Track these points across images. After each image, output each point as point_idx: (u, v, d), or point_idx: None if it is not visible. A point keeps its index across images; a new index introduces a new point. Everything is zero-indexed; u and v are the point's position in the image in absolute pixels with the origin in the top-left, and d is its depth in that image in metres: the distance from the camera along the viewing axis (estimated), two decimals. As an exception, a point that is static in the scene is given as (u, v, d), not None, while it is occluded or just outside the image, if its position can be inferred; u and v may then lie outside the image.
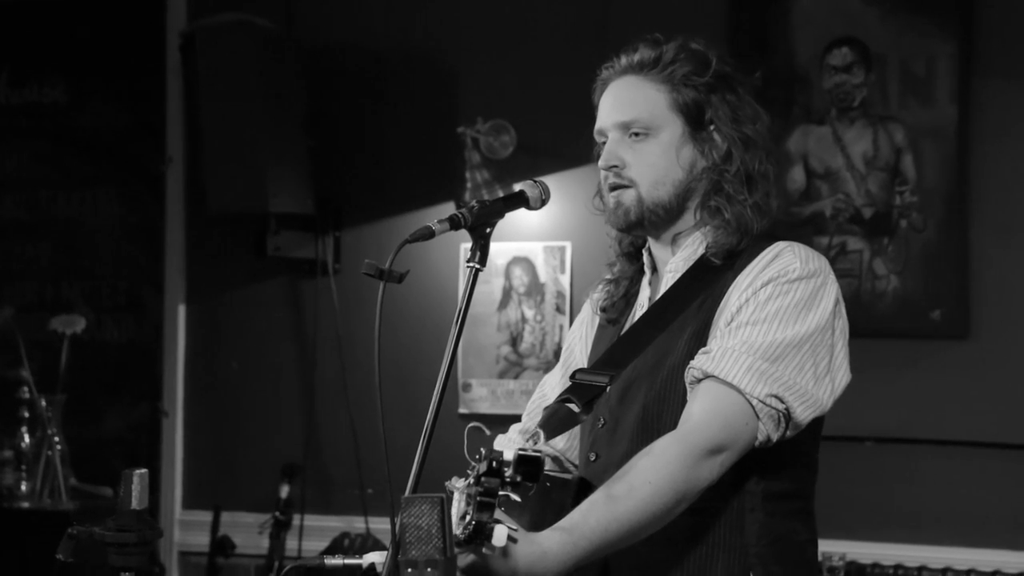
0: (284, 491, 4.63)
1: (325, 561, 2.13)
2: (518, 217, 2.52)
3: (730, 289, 2.23)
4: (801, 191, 4.28)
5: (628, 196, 2.29)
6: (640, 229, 2.33)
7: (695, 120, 2.29)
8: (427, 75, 4.72)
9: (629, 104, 2.30)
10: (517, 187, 2.26)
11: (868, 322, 4.17)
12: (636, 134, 2.29)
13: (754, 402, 2.12)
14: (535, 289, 4.55)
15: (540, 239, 4.53)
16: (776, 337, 2.15)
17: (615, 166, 2.30)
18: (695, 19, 4.33)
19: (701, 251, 2.29)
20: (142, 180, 5.08)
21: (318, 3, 4.86)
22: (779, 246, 2.26)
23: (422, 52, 4.74)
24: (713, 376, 2.14)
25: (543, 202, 2.25)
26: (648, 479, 2.05)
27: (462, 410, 4.58)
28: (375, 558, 2.12)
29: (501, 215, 2.15)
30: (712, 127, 2.29)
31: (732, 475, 2.15)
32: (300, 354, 4.86)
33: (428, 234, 2.03)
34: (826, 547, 3.85)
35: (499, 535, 1.82)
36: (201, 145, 4.54)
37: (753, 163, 2.29)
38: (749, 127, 2.30)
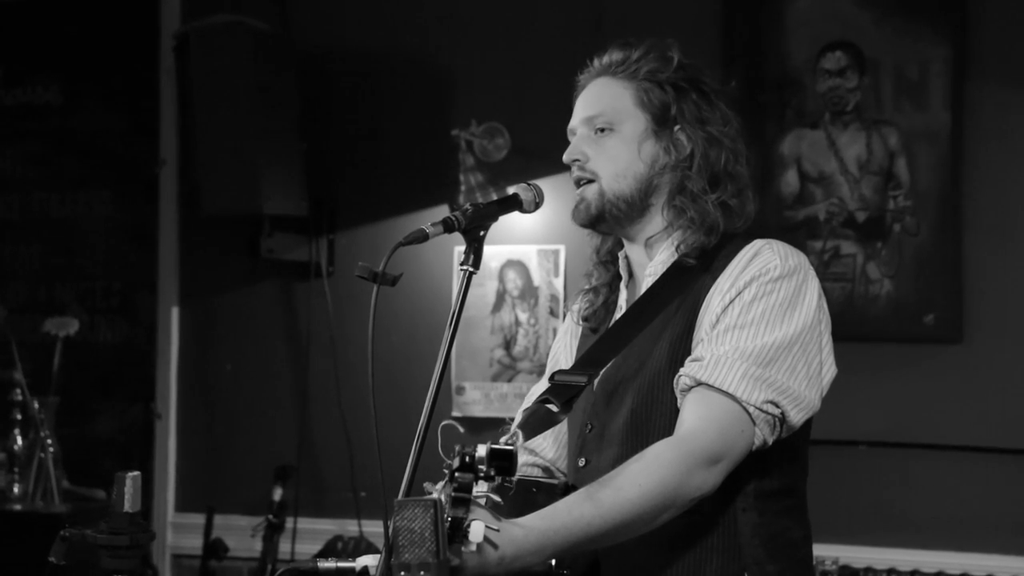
0: (277, 494, 4.62)
1: (318, 564, 2.13)
2: (512, 220, 2.53)
3: (711, 290, 2.25)
4: (795, 195, 4.28)
5: (590, 191, 2.34)
6: (603, 224, 2.36)
7: (660, 118, 2.33)
8: (421, 78, 4.72)
9: (595, 100, 2.36)
10: (511, 190, 2.27)
11: (861, 326, 4.18)
12: (601, 129, 2.34)
13: (751, 409, 2.13)
14: (529, 292, 4.55)
15: (534, 242, 4.53)
16: (766, 340, 2.16)
17: (577, 160, 2.35)
18: (689, 23, 4.34)
19: (676, 253, 2.31)
20: (136, 181, 5.07)
21: (312, 5, 4.86)
22: (757, 244, 2.27)
23: (416, 55, 4.74)
24: (706, 384, 2.14)
25: (537, 205, 2.27)
26: (638, 481, 2.04)
27: (455, 413, 4.58)
28: (368, 561, 2.12)
29: (495, 218, 2.16)
30: (677, 126, 2.33)
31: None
32: (293, 356, 4.86)
33: (422, 237, 2.04)
34: (819, 551, 3.84)
35: (476, 531, 1.83)
36: (195, 147, 4.53)
37: (719, 163, 2.32)
38: (716, 128, 2.33)
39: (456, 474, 1.81)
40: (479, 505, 1.89)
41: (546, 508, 2.02)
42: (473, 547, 1.85)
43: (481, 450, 1.82)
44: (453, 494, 1.81)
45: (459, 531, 1.82)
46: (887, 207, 4.20)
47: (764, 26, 4.32)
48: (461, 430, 1.91)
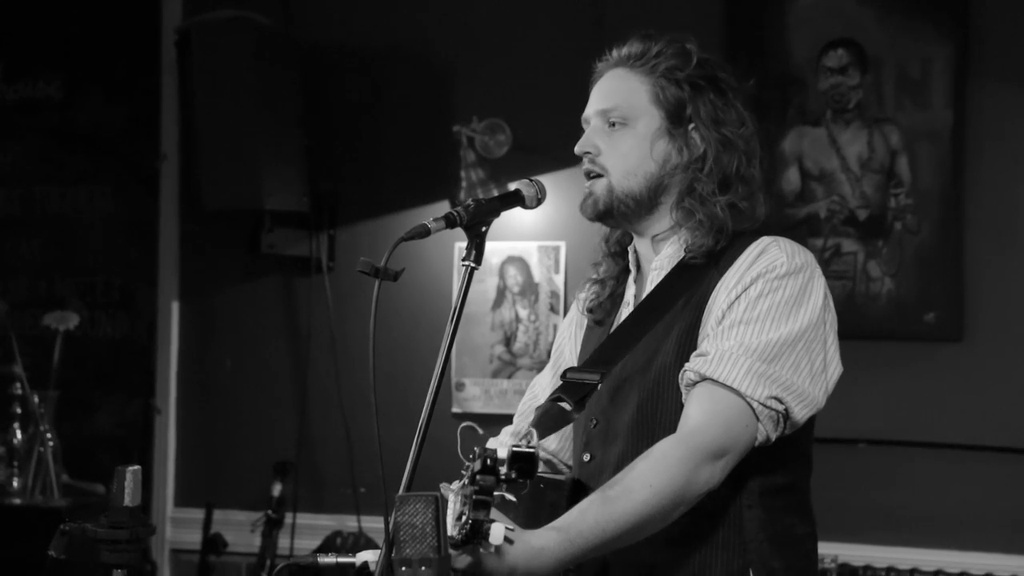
0: (276, 489, 4.62)
1: (318, 559, 2.13)
2: (513, 216, 2.53)
3: (717, 286, 2.24)
4: (796, 192, 4.28)
5: (599, 185, 2.33)
6: (610, 219, 2.36)
7: (674, 116, 2.31)
8: (423, 73, 4.72)
9: (611, 93, 2.35)
10: (512, 186, 2.27)
11: (862, 324, 4.17)
12: (613, 123, 2.32)
13: (754, 404, 2.13)
14: (529, 289, 4.55)
15: (535, 239, 4.53)
16: (771, 336, 2.16)
17: (589, 152, 2.34)
18: (691, 20, 4.33)
19: (683, 251, 2.31)
20: (137, 176, 5.07)
21: (315, 1, 4.85)
22: (764, 241, 2.27)
23: (418, 50, 4.73)
24: (711, 379, 2.14)
25: (539, 201, 2.27)
26: (649, 482, 2.05)
27: (455, 409, 4.58)
28: (368, 556, 2.12)
29: (497, 214, 2.16)
30: (691, 125, 2.31)
31: (729, 473, 2.15)
32: (294, 352, 4.86)
33: (424, 232, 2.04)
34: (819, 549, 3.83)
35: (496, 533, 1.82)
36: (196, 142, 4.53)
37: (731, 166, 2.30)
38: (730, 130, 2.32)
39: (478, 476, 1.80)
40: (498, 511, 1.89)
41: (559, 519, 2.03)
42: (492, 549, 1.85)
43: (502, 452, 1.81)
44: (475, 497, 1.79)
45: (479, 533, 1.81)
46: (888, 205, 4.20)
47: (766, 23, 4.32)
48: (480, 432, 1.91)
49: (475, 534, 1.81)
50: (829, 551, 4.02)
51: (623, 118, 2.31)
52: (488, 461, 1.80)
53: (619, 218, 2.34)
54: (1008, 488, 4.11)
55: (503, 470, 1.81)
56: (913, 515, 4.17)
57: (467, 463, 1.86)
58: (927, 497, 4.17)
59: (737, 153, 2.31)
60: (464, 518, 1.81)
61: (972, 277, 4.13)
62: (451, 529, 1.82)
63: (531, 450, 1.82)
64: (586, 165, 2.34)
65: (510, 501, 1.85)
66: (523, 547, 1.93)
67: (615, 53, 2.38)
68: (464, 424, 1.97)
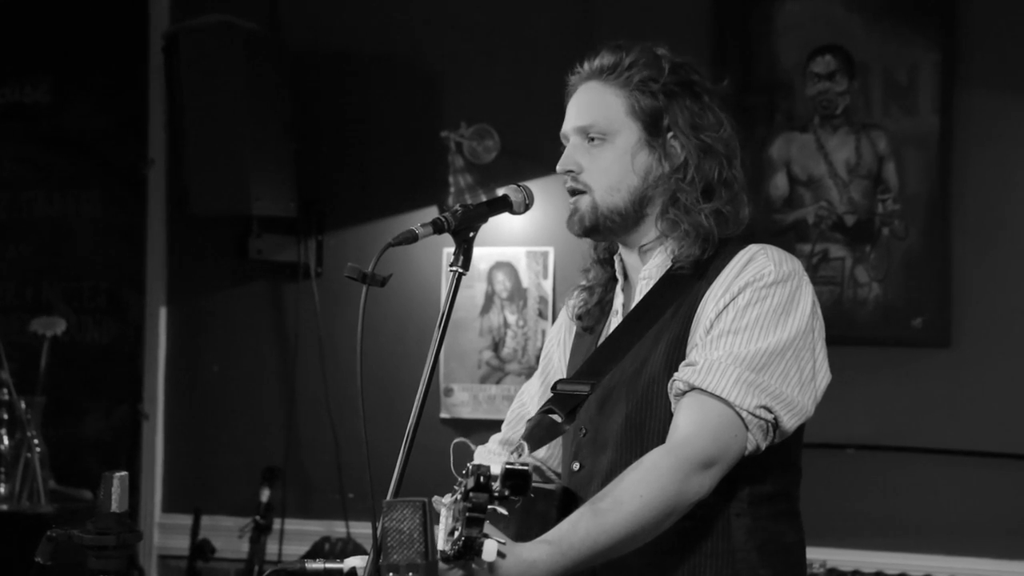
0: (265, 495, 4.62)
1: (306, 565, 2.13)
2: (501, 222, 2.53)
3: (705, 295, 2.24)
4: (784, 198, 4.29)
5: (583, 202, 2.32)
6: (597, 235, 2.36)
7: (652, 126, 2.30)
8: (411, 79, 4.72)
9: (587, 109, 2.33)
10: (501, 191, 2.27)
11: (850, 329, 4.18)
12: (593, 139, 2.32)
13: (744, 414, 2.13)
14: (518, 294, 4.55)
15: (523, 244, 4.53)
16: (760, 346, 2.16)
17: (571, 171, 2.33)
18: (679, 26, 4.34)
19: (670, 260, 2.31)
20: (124, 181, 5.05)
21: (303, 5, 4.85)
22: (751, 249, 2.27)
23: (406, 56, 4.73)
24: (700, 389, 2.14)
25: (527, 207, 2.27)
26: (639, 492, 2.05)
27: (444, 415, 4.58)
28: (356, 562, 2.12)
29: (485, 219, 2.17)
30: (670, 134, 2.30)
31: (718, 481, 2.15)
32: (282, 357, 4.85)
33: (411, 238, 2.04)
34: (807, 554, 3.83)
35: (489, 550, 1.82)
36: (184, 147, 4.52)
37: (713, 171, 2.30)
38: (709, 134, 2.31)
39: (471, 494, 1.79)
40: (488, 524, 1.88)
41: (551, 531, 2.03)
42: (485, 565, 1.85)
43: (496, 469, 1.80)
44: (468, 514, 1.79)
45: (472, 549, 1.81)
46: (876, 211, 4.21)
47: (754, 29, 4.33)
48: (472, 447, 1.90)
49: (468, 550, 1.81)
50: (818, 556, 4.03)
51: (602, 133, 2.30)
52: (482, 478, 1.80)
53: (606, 233, 2.34)
54: (997, 492, 4.11)
55: (496, 486, 1.80)
56: (901, 520, 4.18)
57: (460, 479, 1.85)
58: (915, 502, 4.17)
59: (718, 157, 2.30)
60: (457, 534, 1.80)
61: (959, 282, 4.14)
62: (444, 544, 1.82)
63: (524, 468, 1.82)
64: (569, 184, 2.33)
65: (500, 513, 1.85)
66: (514, 560, 1.93)
67: (587, 66, 2.36)
68: (457, 440, 1.97)
